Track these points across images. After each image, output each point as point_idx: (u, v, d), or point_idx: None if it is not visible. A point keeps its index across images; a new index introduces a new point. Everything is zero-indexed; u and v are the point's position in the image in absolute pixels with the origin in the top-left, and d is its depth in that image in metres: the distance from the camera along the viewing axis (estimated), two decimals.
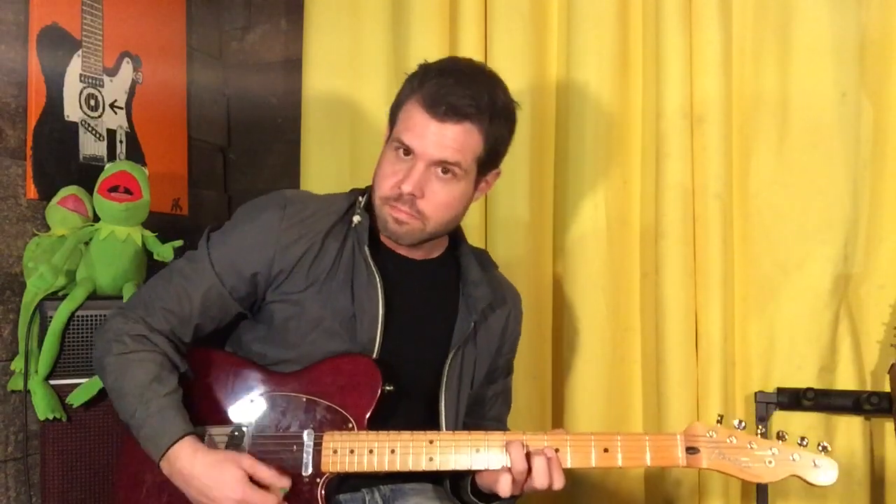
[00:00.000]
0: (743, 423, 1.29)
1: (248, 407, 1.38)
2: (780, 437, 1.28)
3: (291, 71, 2.42)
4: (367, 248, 1.42)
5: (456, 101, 1.35)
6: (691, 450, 1.29)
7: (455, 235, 1.56)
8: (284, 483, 1.29)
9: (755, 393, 1.90)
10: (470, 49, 2.05)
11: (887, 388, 1.76)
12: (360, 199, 1.49)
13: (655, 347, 1.93)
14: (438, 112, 1.35)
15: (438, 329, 1.48)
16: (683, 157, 1.91)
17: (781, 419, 1.88)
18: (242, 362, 1.44)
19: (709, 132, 1.90)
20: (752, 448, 1.28)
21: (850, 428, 1.87)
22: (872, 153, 1.87)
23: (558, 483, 1.28)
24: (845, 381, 1.86)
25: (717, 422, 1.30)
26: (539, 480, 1.27)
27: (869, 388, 1.85)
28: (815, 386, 1.85)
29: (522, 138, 2.04)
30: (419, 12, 2.06)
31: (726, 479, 1.88)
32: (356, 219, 1.45)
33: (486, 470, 1.32)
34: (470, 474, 1.40)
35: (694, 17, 1.92)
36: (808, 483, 1.28)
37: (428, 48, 2.02)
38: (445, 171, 1.38)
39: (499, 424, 1.60)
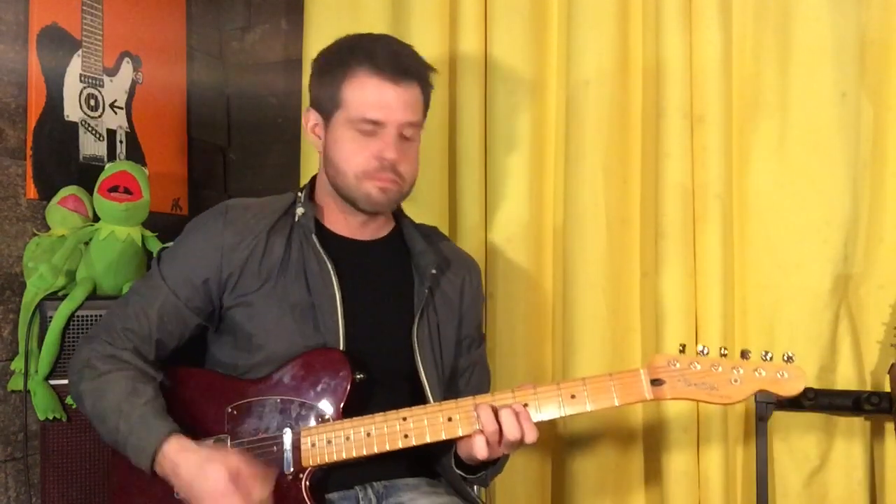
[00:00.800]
0: (706, 349, 1.29)
1: (225, 418, 1.39)
2: (744, 355, 1.28)
3: (291, 71, 2.42)
4: (314, 237, 1.45)
5: (409, 63, 1.44)
6: (656, 381, 1.30)
7: (398, 215, 1.61)
8: (269, 483, 1.29)
9: (755, 393, 1.89)
10: (470, 49, 2.05)
11: (887, 388, 1.76)
12: (300, 193, 1.54)
13: (655, 347, 1.93)
14: (397, 76, 1.42)
15: (398, 304, 1.51)
16: (683, 156, 1.90)
17: (781, 419, 1.88)
18: (214, 375, 1.46)
19: (709, 132, 1.90)
20: (716, 370, 1.28)
21: (850, 428, 1.86)
22: (872, 153, 1.86)
23: (530, 435, 1.30)
24: (845, 381, 1.86)
25: (680, 351, 1.31)
26: (511, 434, 1.29)
27: (869, 388, 1.84)
28: (815, 386, 1.85)
29: (522, 138, 2.04)
30: (419, 12, 2.06)
31: (726, 482, 1.87)
32: (300, 211, 1.49)
33: (462, 439, 1.34)
34: (452, 450, 1.41)
35: (694, 17, 1.91)
36: (777, 396, 1.28)
37: (428, 48, 2.01)
38: (405, 136, 1.44)
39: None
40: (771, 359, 1.28)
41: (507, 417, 1.30)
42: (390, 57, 1.42)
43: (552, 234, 2.08)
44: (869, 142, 1.86)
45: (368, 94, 1.41)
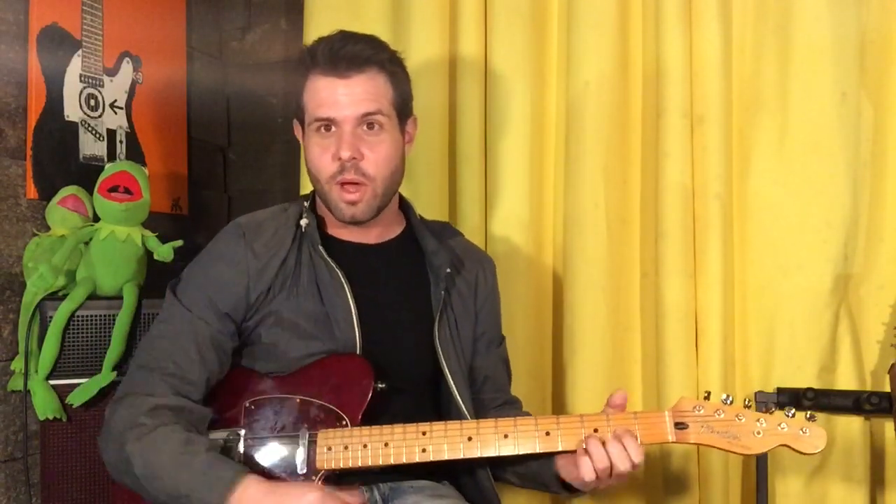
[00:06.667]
0: (730, 398, 1.31)
1: (242, 411, 1.39)
2: (768, 409, 1.30)
3: (291, 71, 2.41)
4: (321, 248, 1.43)
5: (352, 51, 1.39)
6: (680, 425, 1.30)
7: (408, 214, 1.58)
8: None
9: (755, 393, 1.90)
10: (470, 49, 2.05)
11: (887, 388, 1.76)
12: (305, 203, 1.51)
13: (655, 347, 1.93)
14: (340, 68, 1.38)
15: (414, 306, 1.49)
16: (683, 156, 1.90)
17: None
18: (235, 369, 1.45)
19: (709, 132, 1.90)
20: (739, 421, 1.29)
21: (850, 428, 1.86)
22: (872, 153, 1.86)
23: (637, 456, 1.28)
24: (845, 381, 1.86)
25: (705, 398, 1.32)
26: (622, 463, 1.27)
27: (869, 388, 1.84)
28: (815, 386, 1.85)
29: (522, 138, 2.04)
30: (419, 12, 2.06)
31: (725, 481, 1.88)
32: (304, 222, 1.47)
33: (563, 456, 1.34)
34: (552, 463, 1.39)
35: (694, 17, 1.92)
36: (797, 451, 1.29)
37: (428, 48, 2.02)
38: (371, 126, 1.40)
39: (504, 395, 1.60)
40: (794, 415, 1.30)
41: (614, 447, 1.27)
42: (329, 52, 1.39)
43: (552, 234, 2.08)
44: (869, 142, 1.86)
45: (318, 94, 1.41)
